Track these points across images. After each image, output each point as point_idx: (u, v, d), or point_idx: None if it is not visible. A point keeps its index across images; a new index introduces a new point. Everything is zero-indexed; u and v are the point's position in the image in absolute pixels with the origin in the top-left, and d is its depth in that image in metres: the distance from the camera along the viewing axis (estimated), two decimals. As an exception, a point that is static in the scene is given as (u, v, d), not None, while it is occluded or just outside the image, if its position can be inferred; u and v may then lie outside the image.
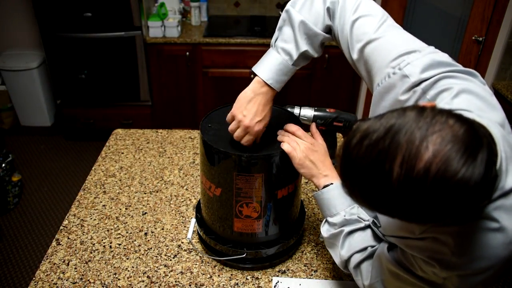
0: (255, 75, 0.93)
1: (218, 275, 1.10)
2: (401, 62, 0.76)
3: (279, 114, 1.09)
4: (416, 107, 0.56)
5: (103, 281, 1.07)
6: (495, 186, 0.56)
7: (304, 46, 0.90)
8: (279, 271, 1.12)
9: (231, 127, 0.95)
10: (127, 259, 1.14)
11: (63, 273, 1.10)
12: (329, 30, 0.91)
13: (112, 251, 1.16)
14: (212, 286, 1.07)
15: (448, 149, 0.50)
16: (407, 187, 0.51)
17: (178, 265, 1.13)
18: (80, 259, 1.14)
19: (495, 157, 0.53)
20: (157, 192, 1.39)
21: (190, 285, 1.07)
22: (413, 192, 0.51)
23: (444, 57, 0.75)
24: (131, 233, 1.23)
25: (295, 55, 0.90)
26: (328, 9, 0.88)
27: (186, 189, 1.41)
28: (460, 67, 0.74)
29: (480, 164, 0.50)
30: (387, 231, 0.81)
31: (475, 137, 0.52)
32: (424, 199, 0.51)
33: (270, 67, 0.91)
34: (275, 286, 1.07)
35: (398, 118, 0.54)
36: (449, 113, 0.54)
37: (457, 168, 0.49)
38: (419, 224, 0.57)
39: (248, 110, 0.92)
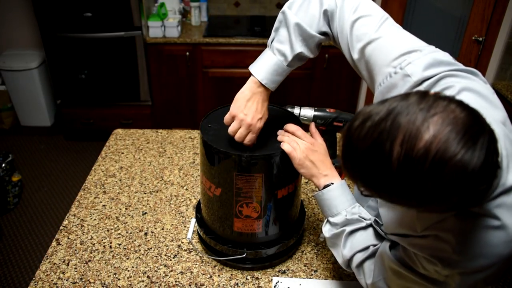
0: (251, 74, 0.94)
1: (218, 275, 1.10)
2: (402, 61, 0.76)
3: (279, 114, 1.09)
4: (419, 92, 0.56)
5: (103, 281, 1.07)
6: (497, 176, 0.55)
7: (299, 48, 0.90)
8: (279, 271, 1.12)
9: (231, 127, 0.95)
10: (127, 259, 1.14)
11: (63, 273, 1.10)
12: (324, 33, 0.91)
13: (112, 251, 1.16)
14: (212, 286, 1.07)
15: (449, 131, 0.50)
16: (407, 167, 0.52)
17: (178, 265, 1.13)
18: (80, 259, 1.14)
19: (497, 147, 0.53)
20: (157, 192, 1.39)
21: (190, 285, 1.07)
22: (412, 172, 0.51)
23: (445, 56, 0.75)
24: (131, 233, 1.23)
25: (289, 56, 0.91)
26: (325, 11, 0.88)
27: (186, 189, 1.41)
28: (461, 66, 0.74)
29: (480, 149, 0.50)
30: (389, 229, 0.81)
31: (476, 122, 0.52)
32: (423, 180, 0.51)
33: (265, 68, 0.92)
34: (275, 286, 1.07)
35: (400, 101, 0.55)
36: (451, 99, 0.54)
37: (456, 150, 0.50)
38: (417, 208, 0.57)
39: (248, 108, 0.93)
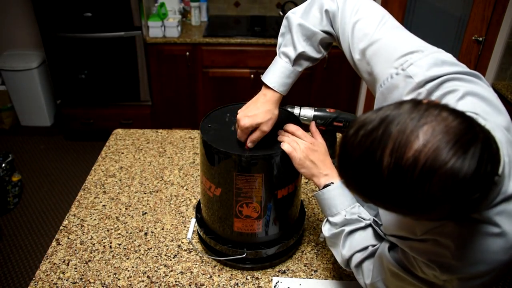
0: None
1: (218, 275, 1.10)
2: (404, 62, 0.75)
3: (279, 114, 1.09)
4: (413, 100, 0.56)
5: (103, 281, 1.07)
6: (497, 184, 0.55)
7: (301, 48, 0.91)
8: (279, 271, 1.12)
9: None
10: (127, 259, 1.14)
11: (63, 273, 1.10)
12: (327, 32, 0.92)
13: (112, 251, 1.16)
14: (212, 286, 1.07)
15: (438, 140, 0.50)
16: (396, 176, 0.52)
17: (178, 265, 1.13)
18: (80, 259, 1.14)
19: (494, 155, 0.53)
20: (157, 192, 1.39)
21: (190, 285, 1.07)
22: (401, 181, 0.52)
23: (448, 56, 0.75)
24: (131, 233, 1.23)
25: (293, 56, 0.92)
26: (326, 11, 0.89)
27: (186, 189, 1.41)
28: (464, 68, 0.73)
29: (472, 157, 0.50)
30: (388, 230, 0.81)
31: (469, 131, 0.52)
32: (413, 189, 0.51)
33: (273, 72, 0.95)
34: (275, 286, 1.07)
35: (393, 110, 0.55)
36: (444, 107, 0.54)
37: (446, 158, 0.49)
38: (410, 216, 0.57)
39: (244, 106, 0.97)
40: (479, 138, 0.51)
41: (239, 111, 0.97)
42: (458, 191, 0.51)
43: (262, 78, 0.96)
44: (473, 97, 0.68)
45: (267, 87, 0.94)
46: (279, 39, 0.96)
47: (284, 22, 0.94)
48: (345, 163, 0.58)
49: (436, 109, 0.53)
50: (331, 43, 0.96)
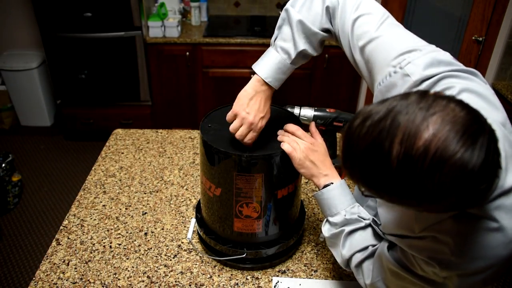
0: (254, 73, 0.94)
1: (218, 275, 1.10)
2: (402, 61, 0.76)
3: (279, 114, 1.09)
4: (419, 91, 0.57)
5: (103, 281, 1.07)
6: (498, 176, 0.55)
7: (302, 45, 0.91)
8: (279, 271, 1.12)
9: (233, 125, 0.95)
10: (127, 259, 1.14)
11: (63, 273, 1.10)
12: (327, 30, 0.91)
13: (112, 251, 1.16)
14: (212, 286, 1.07)
15: (448, 130, 0.51)
16: (406, 166, 0.52)
17: (178, 265, 1.13)
18: (80, 259, 1.14)
19: (498, 146, 0.53)
20: (157, 192, 1.39)
21: (190, 285, 1.07)
22: (411, 171, 0.51)
23: (445, 55, 0.75)
24: (131, 233, 1.23)
25: (293, 54, 0.91)
26: (327, 8, 0.89)
27: (186, 189, 1.41)
28: (461, 66, 0.74)
29: (480, 148, 0.50)
30: (387, 229, 0.81)
31: (476, 121, 0.52)
32: (423, 178, 0.51)
33: (269, 66, 0.92)
34: (275, 286, 1.07)
35: (400, 101, 0.55)
36: (451, 98, 0.55)
37: (456, 149, 0.50)
38: (417, 208, 0.57)
39: (250, 107, 0.93)
40: (486, 129, 0.52)
41: (241, 111, 0.93)
42: (467, 181, 0.51)
43: (254, 68, 0.93)
44: (469, 93, 0.68)
45: (261, 79, 0.92)
46: (276, 31, 0.94)
47: (283, 14, 0.92)
48: (351, 154, 0.57)
49: (443, 100, 0.54)
50: (324, 41, 0.95)
